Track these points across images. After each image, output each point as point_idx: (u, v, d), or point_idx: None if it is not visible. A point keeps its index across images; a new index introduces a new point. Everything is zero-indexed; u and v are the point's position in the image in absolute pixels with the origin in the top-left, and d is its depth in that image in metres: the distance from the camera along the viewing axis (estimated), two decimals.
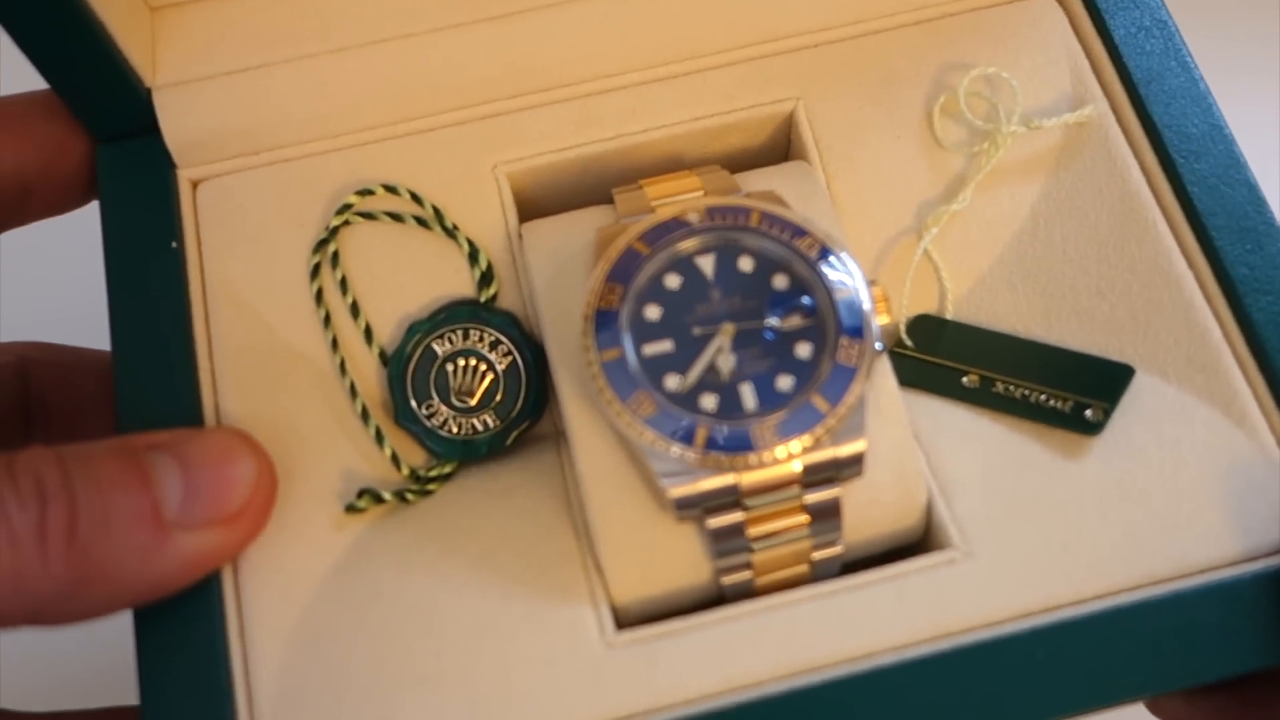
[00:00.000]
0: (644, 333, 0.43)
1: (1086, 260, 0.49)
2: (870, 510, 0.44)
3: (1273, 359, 0.45)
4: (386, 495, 0.46)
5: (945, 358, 0.48)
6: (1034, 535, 0.43)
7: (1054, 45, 0.52)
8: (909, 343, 0.49)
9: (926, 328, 0.49)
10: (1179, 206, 0.48)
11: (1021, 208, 0.50)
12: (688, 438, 0.41)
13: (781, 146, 0.52)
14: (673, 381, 0.42)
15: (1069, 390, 0.46)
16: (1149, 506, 0.43)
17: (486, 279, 0.49)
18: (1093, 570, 0.42)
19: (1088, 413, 0.45)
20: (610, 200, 0.47)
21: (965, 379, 0.47)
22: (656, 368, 0.42)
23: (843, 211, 0.50)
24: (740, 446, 0.41)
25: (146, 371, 0.46)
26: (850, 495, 0.43)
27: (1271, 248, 0.47)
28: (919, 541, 0.45)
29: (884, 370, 0.45)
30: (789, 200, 0.47)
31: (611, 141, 0.50)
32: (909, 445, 0.44)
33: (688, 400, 0.42)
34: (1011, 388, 0.47)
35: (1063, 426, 0.45)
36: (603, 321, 0.43)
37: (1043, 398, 0.46)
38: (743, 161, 0.51)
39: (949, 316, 0.49)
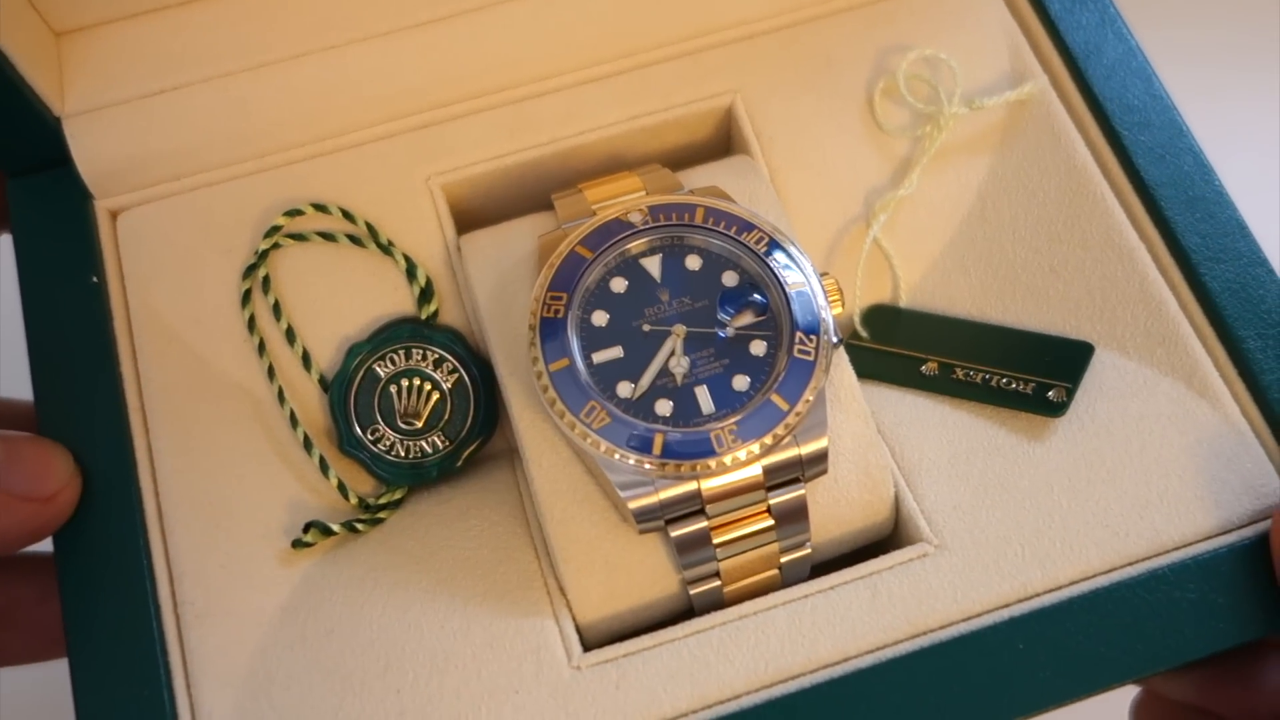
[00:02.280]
0: (593, 340, 0.41)
1: (1038, 239, 0.48)
2: (838, 508, 0.43)
3: (1231, 327, 0.44)
4: (335, 527, 0.44)
5: (902, 346, 0.47)
6: (1005, 523, 0.42)
7: (990, 23, 0.51)
8: (864, 333, 0.48)
9: (881, 317, 0.48)
10: (1126, 178, 0.48)
11: (969, 189, 0.49)
12: (644, 446, 0.39)
13: (723, 141, 0.51)
14: (625, 389, 0.41)
15: (1030, 372, 0.45)
16: (1118, 485, 0.42)
17: (426, 295, 0.47)
18: (1067, 554, 0.41)
19: (1050, 394, 0.44)
20: (550, 206, 0.46)
21: (924, 367, 0.46)
22: (608, 375, 0.41)
23: (789, 203, 0.49)
24: (699, 452, 0.39)
25: (71, 415, 0.44)
26: (816, 494, 0.42)
27: (1222, 215, 0.46)
28: (889, 537, 0.44)
29: (841, 363, 0.44)
30: (733, 195, 0.46)
31: (548, 146, 0.49)
32: (873, 439, 0.43)
33: (642, 407, 0.40)
34: (971, 373, 0.46)
35: (1026, 409, 0.44)
36: (549, 331, 0.41)
37: (1004, 381, 0.45)
38: (685, 158, 0.50)
39: (903, 305, 0.48)
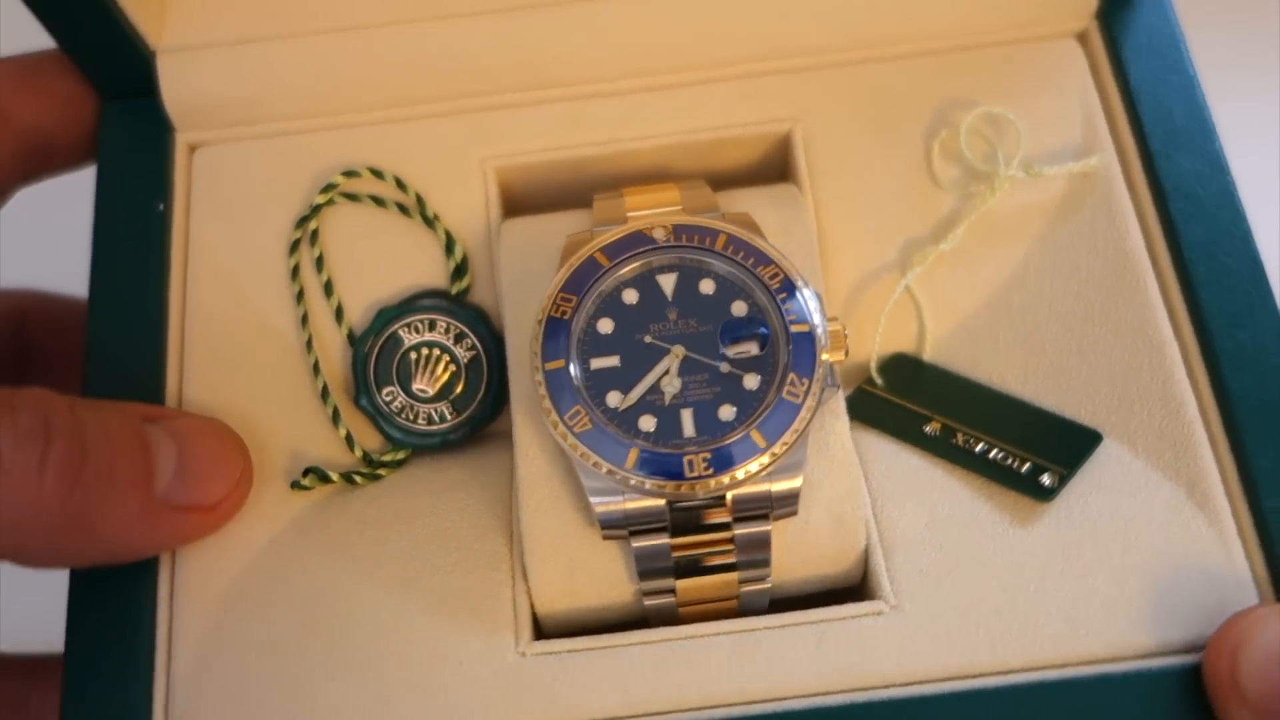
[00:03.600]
0: (593, 346, 0.43)
1: (1073, 317, 0.47)
2: (805, 550, 0.43)
3: (1247, 444, 0.43)
4: (333, 476, 0.46)
5: (913, 400, 0.47)
6: (968, 597, 0.42)
7: (1069, 89, 0.50)
8: (879, 381, 0.48)
9: (900, 367, 0.48)
10: (1174, 272, 0.46)
11: (1013, 255, 0.48)
12: (619, 458, 0.40)
13: (775, 167, 0.51)
14: (614, 398, 0.42)
15: (1031, 450, 0.44)
16: (1091, 582, 0.42)
17: (460, 272, 0.49)
18: (1021, 640, 0.41)
19: (1044, 477, 0.44)
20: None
21: (927, 426, 0.46)
22: (601, 383, 0.42)
23: (827, 240, 0.49)
24: (670, 473, 0.40)
25: (118, 330, 0.47)
26: (785, 534, 0.43)
27: (1263, 326, 0.45)
28: (857, 587, 0.45)
29: (838, 411, 0.44)
30: (769, 225, 0.47)
31: (602, 146, 0.50)
32: (854, 490, 0.43)
33: (626, 419, 0.41)
34: (971, 440, 0.45)
35: (1017, 488, 0.44)
36: (553, 330, 0.42)
37: (1001, 455, 0.45)
38: (733, 179, 0.50)
39: (926, 358, 0.48)
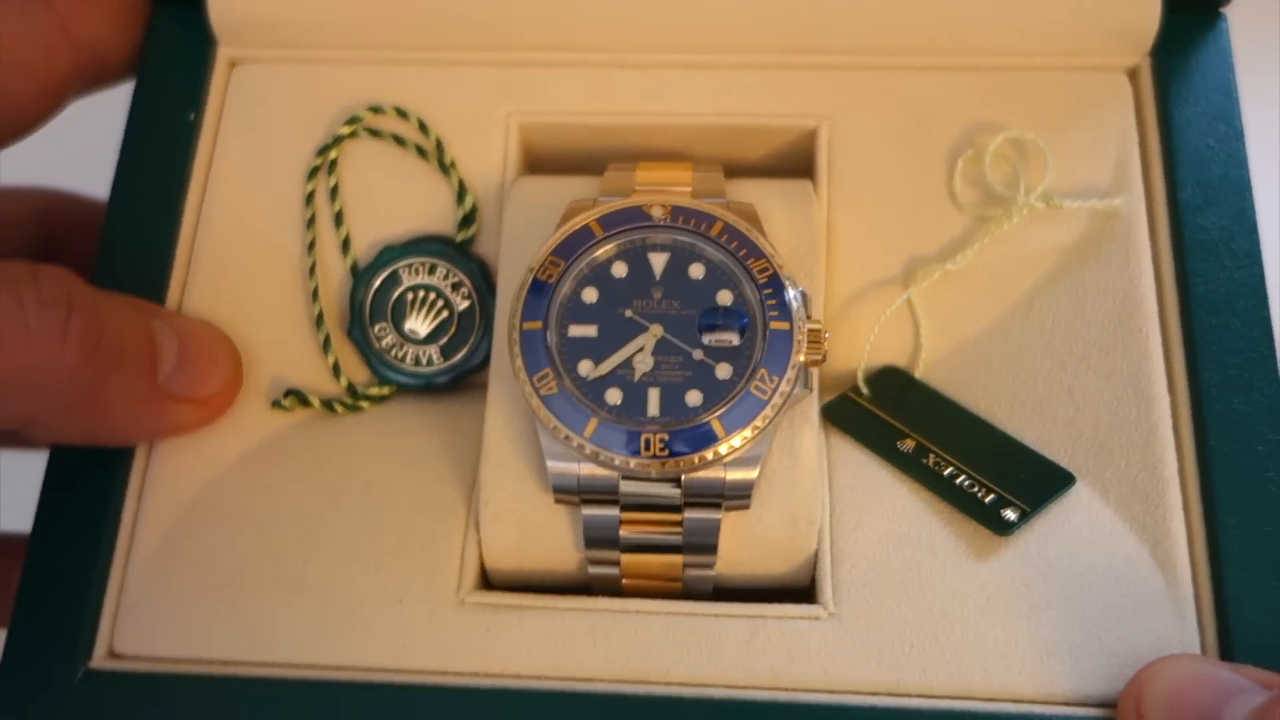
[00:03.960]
0: (575, 313, 0.43)
1: (1069, 356, 0.46)
2: (755, 545, 0.43)
3: (1220, 511, 0.42)
4: (313, 401, 0.48)
5: (893, 415, 0.47)
6: (905, 617, 0.42)
7: (1108, 125, 0.49)
8: (865, 390, 0.47)
9: (889, 380, 0.47)
10: (1180, 327, 0.45)
11: (1021, 285, 0.48)
12: (579, 425, 0.41)
13: (795, 162, 0.51)
14: (585, 367, 0.42)
15: (998, 482, 0.44)
16: (1034, 622, 0.41)
17: (467, 221, 0.49)
18: (952, 668, 0.41)
19: (1006, 511, 0.43)
20: None
21: (901, 442, 0.46)
22: (575, 350, 0.42)
23: (836, 242, 0.48)
24: (626, 448, 0.40)
25: (132, 229, 0.49)
26: (737, 526, 0.43)
27: (1261, 397, 0.43)
28: (804, 591, 0.45)
29: (809, 415, 0.44)
30: (776, 219, 0.46)
31: (628, 117, 0.50)
32: (811, 494, 0.43)
33: (593, 389, 0.42)
34: (942, 463, 0.45)
35: (977, 518, 0.43)
36: (536, 292, 0.43)
37: (967, 482, 0.44)
38: (752, 168, 0.50)
39: (917, 375, 0.48)
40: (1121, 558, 0.42)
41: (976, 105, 0.49)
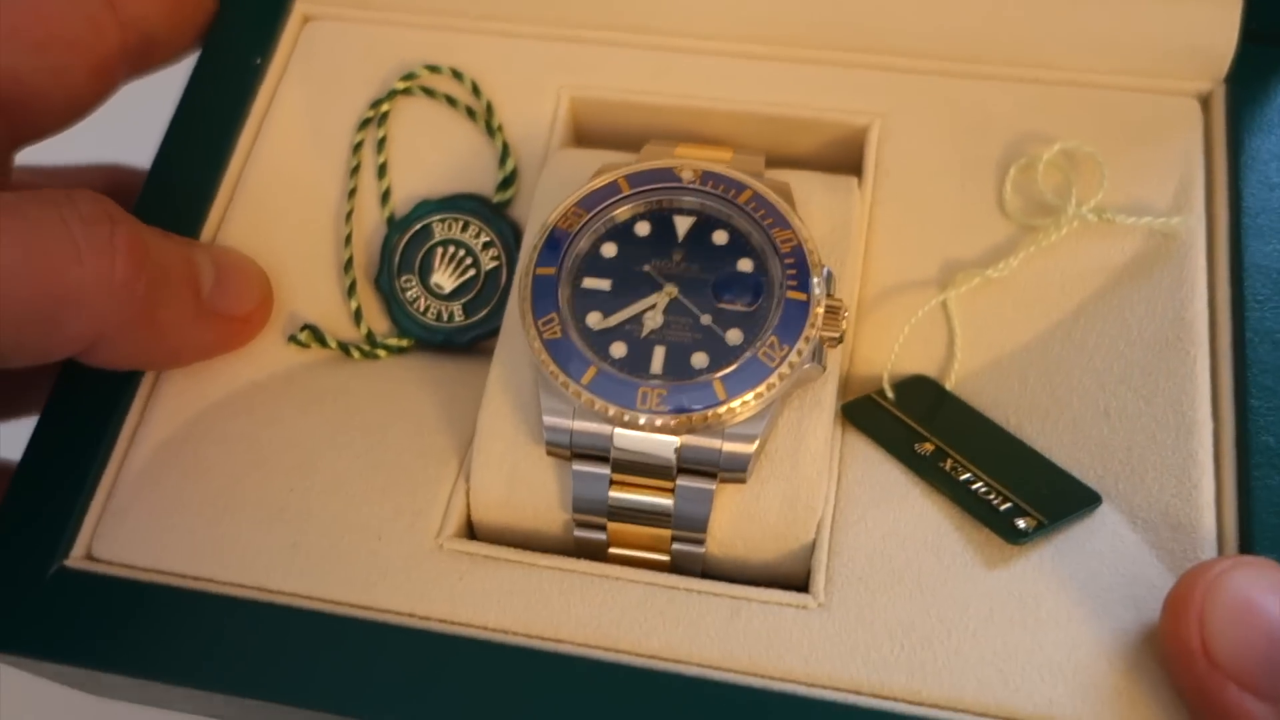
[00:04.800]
0: (591, 266, 0.42)
1: (1109, 375, 0.43)
2: (749, 526, 0.41)
3: (1257, 543, 0.39)
4: (330, 341, 0.47)
5: (917, 420, 0.44)
6: (899, 617, 0.39)
7: (1173, 146, 0.47)
8: (890, 395, 0.45)
9: (918, 388, 0.45)
10: (1231, 355, 0.42)
11: (1067, 300, 0.45)
12: (578, 373, 0.40)
13: (842, 160, 0.49)
14: (594, 319, 0.41)
15: (1016, 491, 0.41)
16: (1038, 638, 0.38)
17: (506, 183, 0.49)
18: (942, 675, 0.38)
19: (1020, 520, 0.40)
20: None
21: (920, 445, 0.43)
22: (586, 301, 0.41)
23: (875, 239, 0.47)
24: (621, 399, 0.39)
25: (183, 156, 0.50)
26: (732, 504, 0.41)
27: None
28: (799, 587, 0.42)
29: (822, 399, 0.42)
30: (812, 206, 0.45)
31: (679, 99, 0.50)
32: (815, 479, 0.41)
33: (599, 340, 0.41)
34: (959, 468, 0.42)
35: (989, 525, 0.41)
36: (554, 240, 0.42)
37: (983, 488, 0.41)
38: (797, 163, 0.49)
39: (949, 385, 0.45)
40: (1144, 584, 0.39)
41: (1036, 117, 0.48)
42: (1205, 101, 0.48)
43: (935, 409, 0.45)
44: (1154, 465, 0.41)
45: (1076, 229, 0.46)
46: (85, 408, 0.45)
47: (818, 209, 0.46)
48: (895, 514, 0.42)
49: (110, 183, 0.56)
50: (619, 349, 0.41)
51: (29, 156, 0.49)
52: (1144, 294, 0.44)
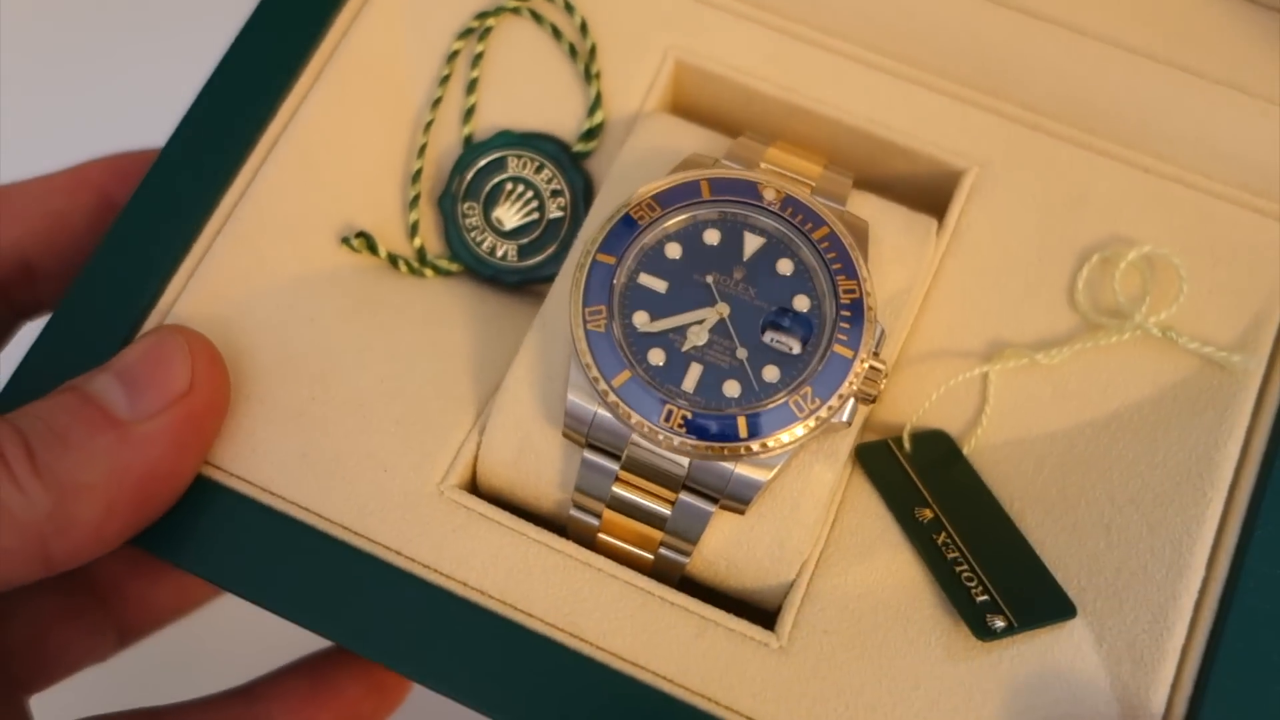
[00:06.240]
0: (651, 263, 0.42)
1: (1122, 493, 0.44)
2: (736, 551, 0.42)
3: (1207, 703, 0.40)
4: (381, 250, 0.47)
5: (924, 480, 0.45)
6: (853, 679, 0.40)
7: (1261, 276, 0.46)
8: (907, 446, 0.46)
9: (935, 443, 0.46)
10: (1245, 509, 0.42)
11: (1107, 404, 0.45)
12: (611, 372, 0.40)
13: (931, 196, 0.48)
14: (641, 319, 0.41)
15: (996, 586, 0.42)
16: None
17: (590, 134, 0.48)
18: None
19: (993, 619, 0.41)
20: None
21: (920, 510, 0.44)
22: (636, 300, 0.41)
23: (937, 290, 0.46)
24: (647, 412, 0.40)
25: (270, 35, 0.48)
26: (727, 528, 0.42)
27: None
28: (770, 615, 0.43)
29: (838, 450, 0.43)
30: (885, 245, 0.45)
31: (785, 90, 0.48)
32: (810, 529, 0.42)
33: (639, 343, 0.41)
34: (950, 546, 0.43)
35: (961, 614, 0.42)
36: (622, 229, 0.42)
37: (966, 574, 0.42)
38: (884, 186, 0.48)
39: (967, 451, 0.46)
40: (1090, 709, 0.40)
41: (1132, 206, 0.47)
42: None
43: (946, 469, 0.45)
44: (1136, 595, 0.42)
45: (1137, 336, 0.45)
46: (125, 274, 0.45)
47: (890, 250, 0.45)
48: (878, 574, 0.43)
49: (111, 174, 0.52)
50: (657, 356, 0.41)
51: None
52: (1182, 421, 0.44)
